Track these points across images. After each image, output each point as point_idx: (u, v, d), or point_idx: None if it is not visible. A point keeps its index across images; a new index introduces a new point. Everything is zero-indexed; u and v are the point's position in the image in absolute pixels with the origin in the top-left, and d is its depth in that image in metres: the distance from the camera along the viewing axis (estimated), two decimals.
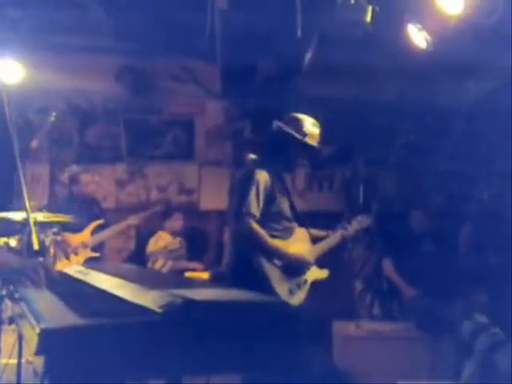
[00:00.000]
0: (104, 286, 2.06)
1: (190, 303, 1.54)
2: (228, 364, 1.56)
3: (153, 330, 1.50)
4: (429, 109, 5.87)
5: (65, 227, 4.23)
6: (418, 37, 4.37)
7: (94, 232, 4.99)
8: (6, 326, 3.20)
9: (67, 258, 4.51)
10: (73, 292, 2.12)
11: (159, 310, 1.53)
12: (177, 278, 2.64)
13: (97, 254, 4.93)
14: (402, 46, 4.51)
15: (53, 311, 1.80)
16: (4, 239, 3.75)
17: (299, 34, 4.16)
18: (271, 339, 1.57)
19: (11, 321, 3.19)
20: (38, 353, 1.44)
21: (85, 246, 4.87)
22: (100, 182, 5.48)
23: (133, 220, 5.30)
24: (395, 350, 4.09)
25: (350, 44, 4.65)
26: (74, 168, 5.33)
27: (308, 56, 5.19)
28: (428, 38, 4.34)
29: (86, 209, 5.00)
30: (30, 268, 1.84)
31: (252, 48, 4.81)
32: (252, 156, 4.77)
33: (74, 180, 5.12)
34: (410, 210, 5.23)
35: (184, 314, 1.51)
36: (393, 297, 4.97)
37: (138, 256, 5.83)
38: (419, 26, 4.32)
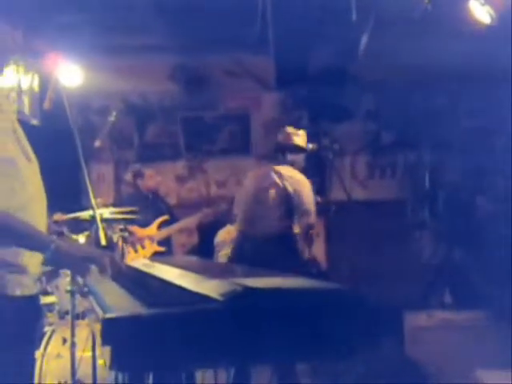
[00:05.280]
0: (167, 276, 2.07)
1: (250, 291, 1.52)
2: (289, 352, 1.53)
3: (215, 318, 1.49)
4: (495, 88, 5.61)
5: (132, 222, 4.31)
6: (481, 12, 4.20)
7: (160, 227, 5.03)
8: (79, 321, 3.29)
9: (135, 250, 4.58)
10: (138, 283, 2.14)
11: (220, 299, 1.51)
12: (238, 268, 2.64)
13: (163, 249, 4.97)
14: (464, 23, 4.33)
15: (118, 302, 1.82)
16: (74, 236, 3.86)
17: (354, 17, 4.06)
18: (333, 327, 1.52)
19: (83, 315, 3.28)
20: (103, 343, 1.45)
21: (151, 239, 4.93)
22: (162, 179, 5.51)
23: (204, 217, 5.22)
24: (468, 339, 3.97)
25: (409, 24, 4.50)
26: (137, 166, 5.42)
27: (364, 39, 5.05)
28: (492, 12, 4.16)
29: (152, 205, 5.07)
30: (97, 255, 1.88)
31: (305, 35, 4.73)
32: (310, 145, 4.72)
33: (138, 175, 5.17)
34: (479, 195, 5.05)
35: (244, 302, 1.49)
36: (464, 285, 4.82)
37: (202, 249, 5.88)
38: (482, 0, 4.14)
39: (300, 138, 4.18)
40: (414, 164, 6.13)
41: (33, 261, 1.90)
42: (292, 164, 4.04)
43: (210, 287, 1.65)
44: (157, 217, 5.02)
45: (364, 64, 5.51)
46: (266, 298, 1.52)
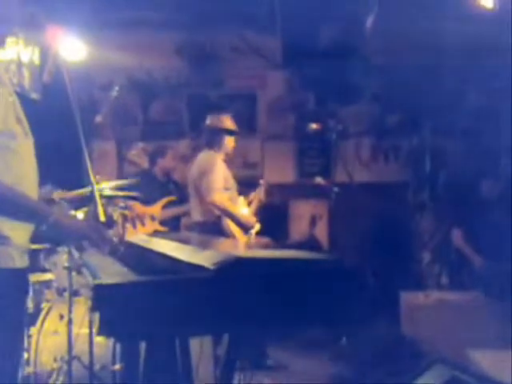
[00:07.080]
0: (163, 249, 2.08)
1: (241, 260, 1.53)
2: (279, 319, 1.54)
3: (206, 286, 1.50)
4: (499, 71, 5.55)
5: (136, 199, 4.27)
6: None
7: (164, 207, 4.95)
8: (77, 298, 3.29)
9: (134, 227, 4.53)
10: (133, 256, 2.15)
11: (212, 267, 1.52)
12: (234, 242, 2.66)
13: (164, 228, 4.89)
14: (468, 7, 4.30)
15: (111, 272, 1.83)
16: (72, 212, 3.85)
17: None
18: (322, 296, 1.53)
19: (78, 292, 3.29)
20: (93, 308, 1.46)
21: (153, 218, 4.85)
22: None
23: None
24: (464, 318, 3.99)
25: (414, 5, 4.46)
26: (141, 145, 5.35)
27: (370, 20, 5.00)
28: None
29: (160, 184, 5.00)
30: (88, 231, 1.86)
31: (312, 14, 4.68)
32: (313, 125, 4.71)
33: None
34: (480, 177, 5.03)
35: (235, 271, 1.50)
36: (462, 266, 4.83)
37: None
38: None
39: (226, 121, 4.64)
40: (417, 146, 6.09)
41: (17, 233, 1.85)
42: (209, 145, 4.47)
43: (203, 257, 1.66)
44: (163, 197, 4.93)
45: (370, 44, 5.46)
46: (256, 267, 1.53)
